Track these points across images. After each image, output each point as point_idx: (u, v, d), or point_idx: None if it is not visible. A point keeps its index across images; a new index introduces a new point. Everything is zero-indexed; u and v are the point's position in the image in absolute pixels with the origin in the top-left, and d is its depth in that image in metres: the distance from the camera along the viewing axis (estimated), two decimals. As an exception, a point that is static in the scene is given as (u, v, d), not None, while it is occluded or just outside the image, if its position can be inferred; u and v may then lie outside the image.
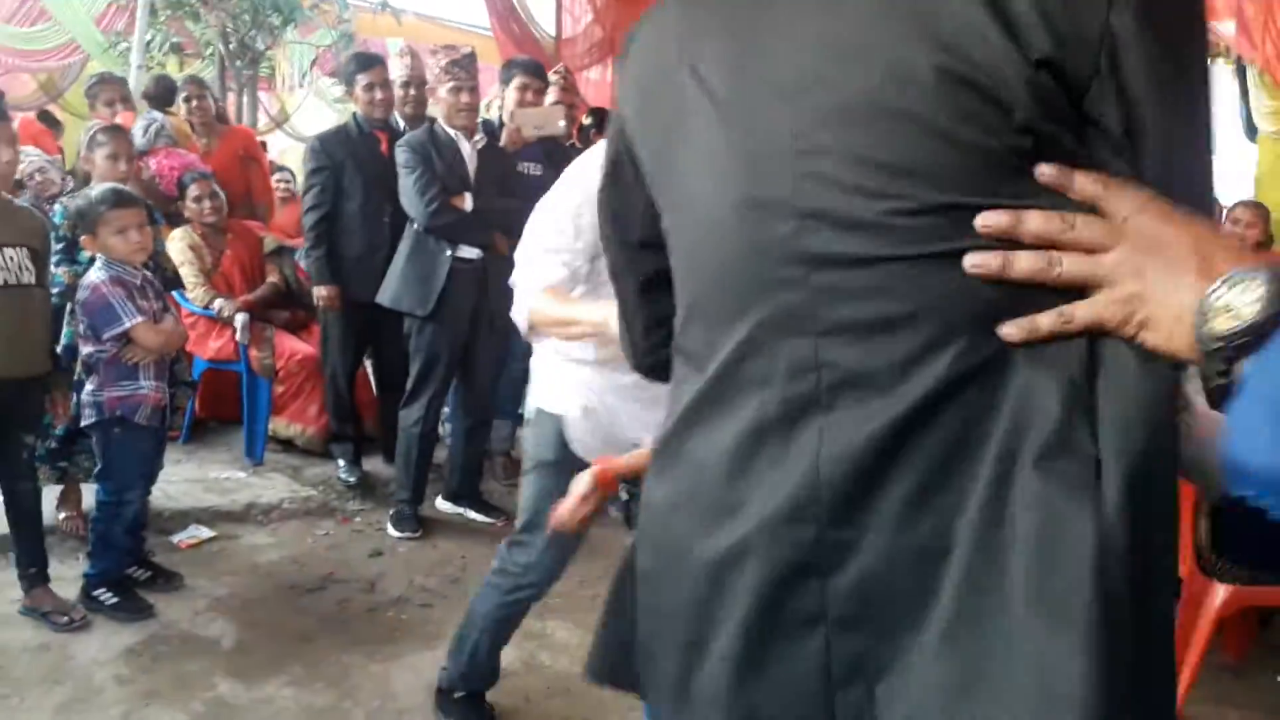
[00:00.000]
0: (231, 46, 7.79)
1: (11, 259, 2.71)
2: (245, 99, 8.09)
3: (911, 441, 0.76)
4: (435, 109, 3.95)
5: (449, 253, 3.74)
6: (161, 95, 5.14)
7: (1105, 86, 0.71)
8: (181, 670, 2.76)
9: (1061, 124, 0.72)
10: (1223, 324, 0.67)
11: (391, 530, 3.86)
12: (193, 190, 4.54)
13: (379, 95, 4.17)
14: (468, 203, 3.75)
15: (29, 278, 2.76)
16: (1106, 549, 0.71)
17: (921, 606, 0.76)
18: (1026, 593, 0.72)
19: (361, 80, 4.17)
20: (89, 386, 3.00)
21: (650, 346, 1.09)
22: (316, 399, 4.58)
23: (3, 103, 3.11)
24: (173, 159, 4.77)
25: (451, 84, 3.75)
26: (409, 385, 3.91)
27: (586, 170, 2.02)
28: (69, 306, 3.28)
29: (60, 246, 3.38)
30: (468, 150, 3.80)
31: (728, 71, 0.85)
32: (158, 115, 4.97)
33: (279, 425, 4.61)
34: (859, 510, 0.77)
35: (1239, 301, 0.67)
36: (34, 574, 2.96)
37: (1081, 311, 0.73)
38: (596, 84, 6.84)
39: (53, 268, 3.38)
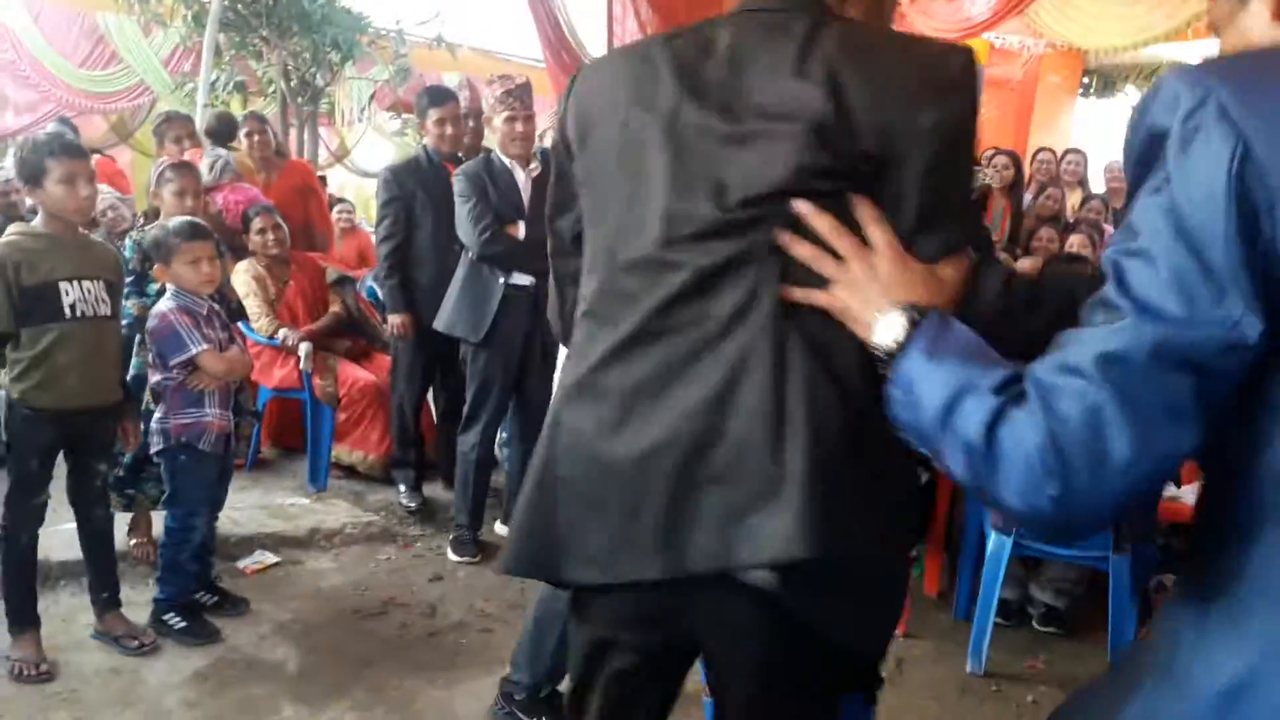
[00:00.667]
0: (293, 84, 7.97)
1: (90, 291, 2.79)
2: (306, 134, 8.27)
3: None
4: (491, 139, 3.99)
5: (502, 280, 3.78)
6: (224, 131, 5.27)
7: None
8: (247, 694, 2.79)
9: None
10: (874, 340, 1.10)
11: (451, 555, 3.89)
12: (257, 223, 4.65)
13: (449, 130, 4.24)
14: (521, 231, 3.78)
15: (105, 309, 2.84)
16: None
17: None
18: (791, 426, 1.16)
19: (433, 115, 4.24)
20: (156, 414, 3.07)
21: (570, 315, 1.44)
22: (378, 426, 4.64)
23: (79, 140, 3.20)
24: (237, 193, 4.88)
25: (506, 114, 3.79)
26: (465, 411, 3.94)
27: None
28: (137, 337, 3.38)
29: (130, 279, 3.47)
30: (522, 179, 3.83)
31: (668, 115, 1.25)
32: (222, 151, 5.09)
33: (341, 452, 4.67)
34: (725, 409, 1.18)
35: (883, 330, 1.09)
36: (106, 599, 3.02)
37: (817, 296, 1.17)
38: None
39: (122, 300, 3.48)
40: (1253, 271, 0.80)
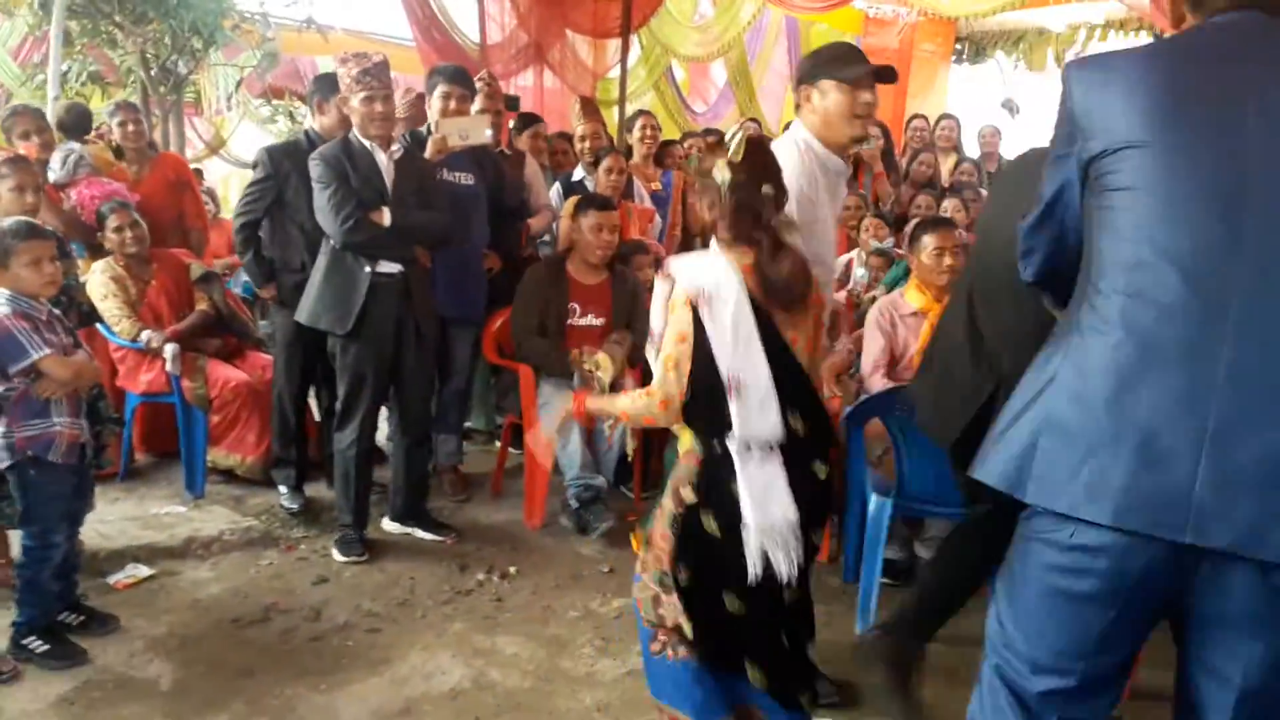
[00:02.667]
0: (153, 73, 7.61)
1: None
2: (172, 125, 7.91)
3: None
4: (352, 118, 3.82)
5: (368, 269, 3.66)
6: (76, 124, 5.00)
7: None
8: (117, 716, 2.66)
9: None
10: None
11: (337, 555, 3.77)
12: (112, 220, 4.43)
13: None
14: (386, 217, 3.65)
15: None
16: None
17: None
18: None
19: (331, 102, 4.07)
20: (0, 428, 2.89)
21: None
22: (254, 426, 4.48)
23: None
24: (94, 188, 4.64)
25: (365, 93, 3.63)
26: (339, 407, 3.83)
27: None
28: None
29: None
30: (384, 161, 3.70)
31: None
32: (75, 145, 4.83)
33: (218, 456, 4.50)
34: None
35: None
36: (-43, 627, 2.85)
37: None
38: (527, 89, 6.79)
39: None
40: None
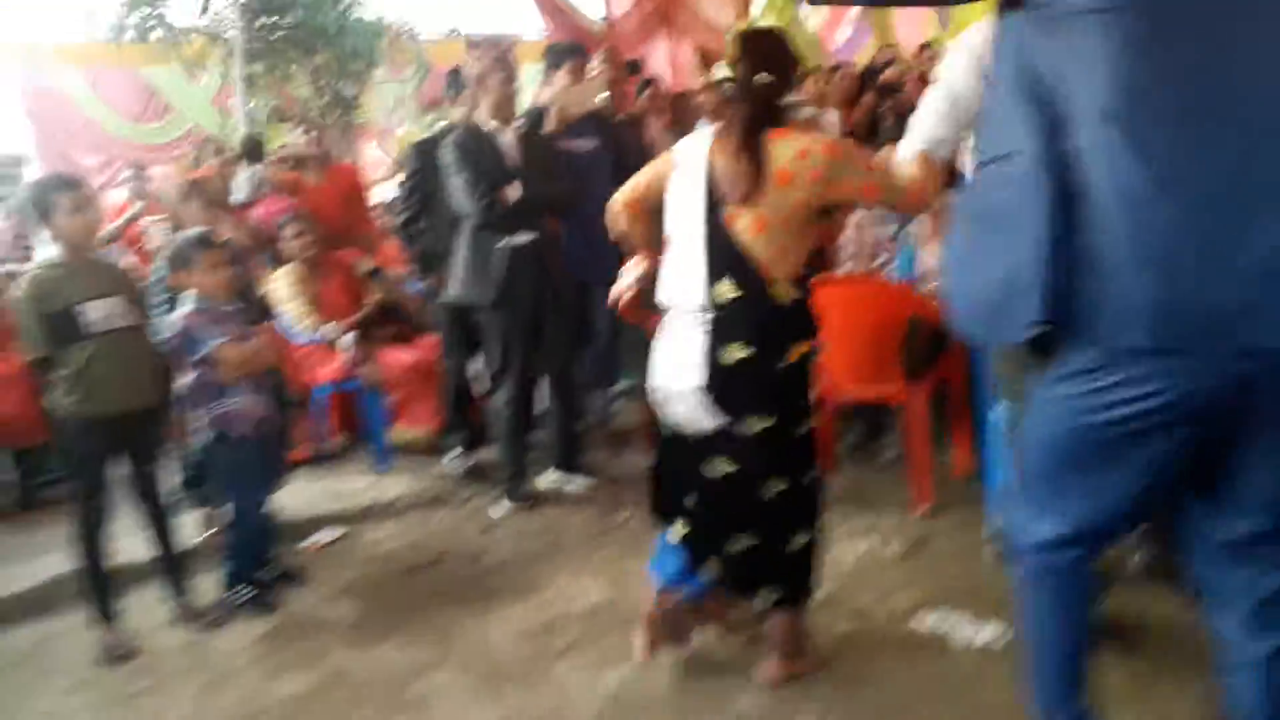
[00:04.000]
0: (325, 100, 8.30)
1: (111, 306, 3.08)
2: (344, 146, 8.60)
3: None
4: (482, 101, 4.06)
5: (504, 242, 3.94)
6: (253, 151, 5.60)
7: None
8: (305, 647, 3.06)
9: None
10: None
11: (499, 506, 4.10)
12: (288, 230, 4.94)
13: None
14: (515, 191, 3.93)
15: (126, 321, 3.12)
16: None
17: None
18: None
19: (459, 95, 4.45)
20: (194, 412, 3.36)
21: None
22: (428, 401, 4.90)
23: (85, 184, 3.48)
24: (272, 205, 5.20)
25: (503, 74, 3.95)
26: (492, 373, 4.14)
27: None
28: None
29: (165, 296, 3.78)
30: (508, 140, 3.98)
31: None
32: (257, 168, 5.41)
33: (399, 431, 4.94)
34: None
35: None
36: (175, 582, 3.33)
37: None
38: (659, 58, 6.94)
39: (159, 316, 3.79)
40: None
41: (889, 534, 3.48)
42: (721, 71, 2.40)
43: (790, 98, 2.43)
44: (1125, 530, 1.77)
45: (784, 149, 2.32)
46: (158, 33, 7.39)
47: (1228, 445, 1.68)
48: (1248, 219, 1.52)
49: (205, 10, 7.78)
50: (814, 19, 8.26)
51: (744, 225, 2.34)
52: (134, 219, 5.13)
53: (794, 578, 2.54)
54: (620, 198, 2.64)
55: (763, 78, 2.33)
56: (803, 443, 2.47)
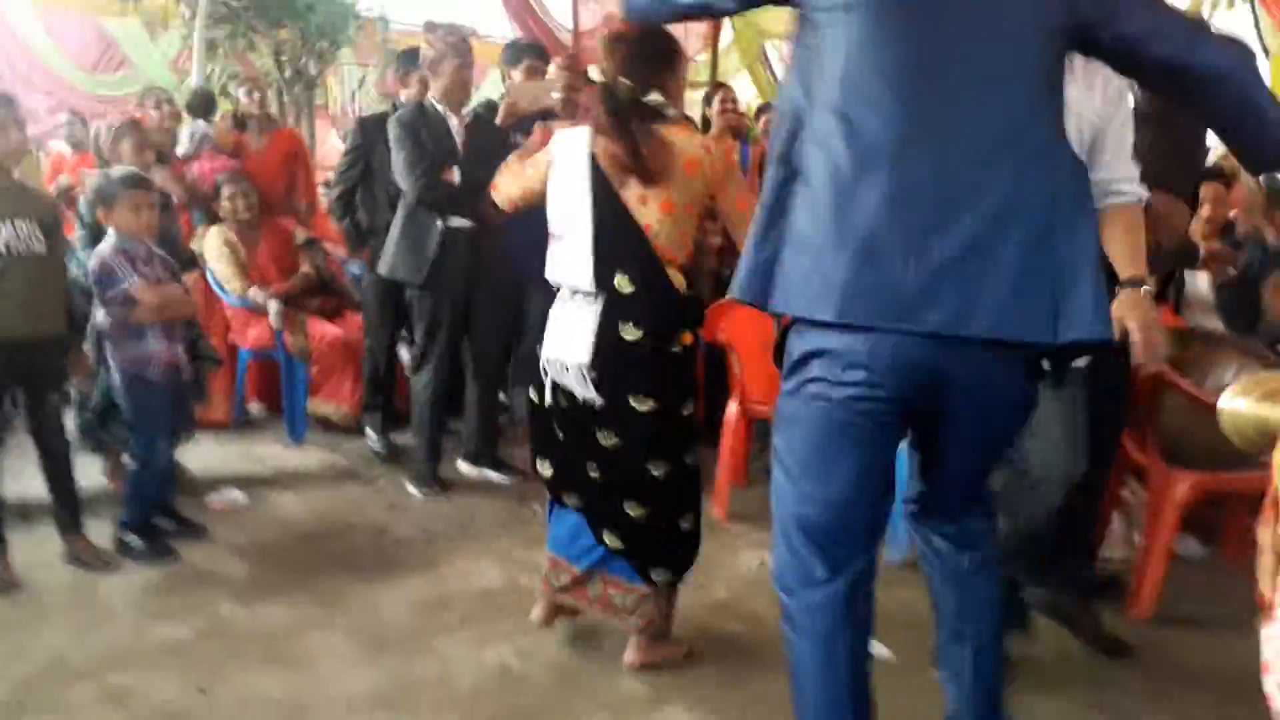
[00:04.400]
0: (286, 75, 8.24)
1: (22, 229, 3.03)
2: (304, 124, 8.53)
3: None
4: (433, 84, 4.10)
5: (440, 224, 3.95)
6: (202, 105, 5.56)
7: None
8: (191, 597, 3.03)
9: None
10: None
11: (410, 488, 4.09)
12: (226, 189, 4.89)
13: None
14: (455, 175, 3.95)
15: (39, 247, 3.07)
16: None
17: None
18: None
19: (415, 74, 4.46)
20: (107, 350, 3.32)
21: None
22: (349, 378, 4.86)
23: (13, 103, 3.41)
24: (213, 162, 5.15)
25: (459, 60, 3.98)
26: (414, 352, 4.14)
27: None
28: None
29: (84, 233, 3.72)
30: (455, 125, 4.01)
31: None
32: (201, 123, 5.36)
33: (316, 405, 4.90)
34: None
35: None
36: (68, 521, 3.26)
37: None
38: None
39: (79, 253, 3.74)
40: None
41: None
42: (595, 74, 2.52)
43: (655, 97, 2.51)
44: (859, 534, 1.82)
45: (688, 142, 2.50)
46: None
47: (932, 420, 1.82)
48: (948, 214, 1.62)
49: (174, -34, 7.69)
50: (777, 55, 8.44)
51: (652, 206, 2.46)
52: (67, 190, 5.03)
53: (682, 560, 2.63)
54: (507, 195, 2.81)
55: (624, 84, 2.47)
56: (686, 425, 2.59)
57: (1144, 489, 3.30)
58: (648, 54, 2.52)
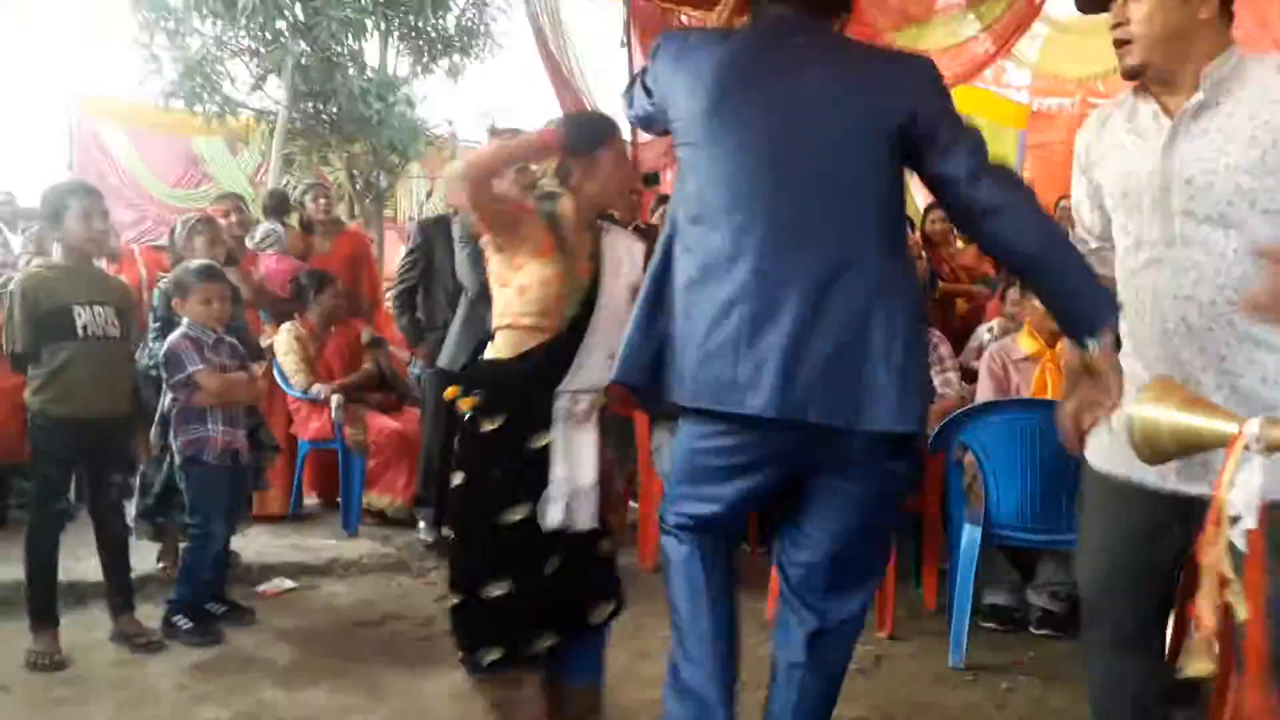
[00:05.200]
0: (358, 187, 8.58)
1: (99, 315, 3.13)
2: (373, 232, 8.83)
3: None
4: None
5: (499, 319, 4.01)
6: (276, 206, 5.77)
7: None
8: (234, 680, 2.99)
9: None
10: None
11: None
12: (329, 290, 5.01)
13: None
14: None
15: (115, 332, 3.18)
16: None
17: None
18: None
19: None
20: (170, 434, 3.38)
21: None
22: (404, 471, 4.88)
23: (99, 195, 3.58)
24: (281, 263, 5.31)
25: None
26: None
27: None
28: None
29: (157, 324, 3.84)
30: (521, 223, 4.10)
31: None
32: (274, 226, 5.56)
33: (372, 498, 4.91)
34: None
35: None
36: (120, 603, 3.28)
37: None
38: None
39: (150, 342, 3.85)
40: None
41: (847, 650, 3.40)
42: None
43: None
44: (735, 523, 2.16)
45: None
46: (207, 104, 7.70)
47: (798, 487, 2.02)
48: (771, 310, 1.83)
49: (256, 88, 8.10)
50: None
51: None
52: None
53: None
54: None
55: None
56: None
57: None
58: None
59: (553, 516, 2.30)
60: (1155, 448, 1.32)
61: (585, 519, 2.35)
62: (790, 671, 2.07)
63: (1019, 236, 1.85)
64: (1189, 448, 1.31)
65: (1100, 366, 1.81)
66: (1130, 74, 1.86)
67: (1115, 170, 1.92)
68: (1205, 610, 1.26)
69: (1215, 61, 1.80)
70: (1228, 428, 1.23)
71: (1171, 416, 1.29)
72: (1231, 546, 1.23)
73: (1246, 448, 1.20)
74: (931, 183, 1.95)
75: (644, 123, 2.20)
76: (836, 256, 1.84)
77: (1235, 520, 1.22)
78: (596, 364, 2.32)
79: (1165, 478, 1.78)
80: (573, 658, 2.48)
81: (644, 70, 2.11)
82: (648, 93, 2.07)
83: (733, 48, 1.97)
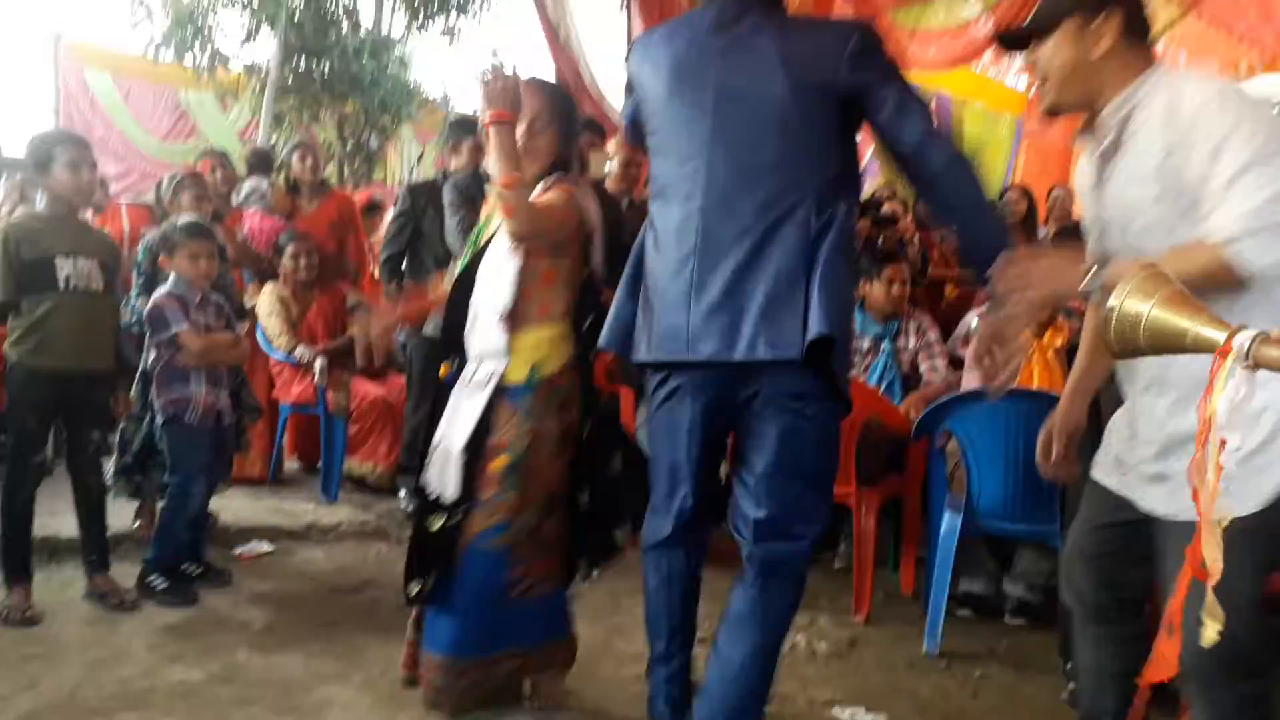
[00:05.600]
0: (348, 147, 8.48)
1: (82, 267, 3.09)
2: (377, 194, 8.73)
3: None
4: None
5: (490, 284, 3.98)
6: (260, 163, 5.70)
7: None
8: (208, 641, 2.98)
9: None
10: None
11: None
12: (291, 248, 4.96)
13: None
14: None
15: (98, 285, 3.13)
16: None
17: None
18: None
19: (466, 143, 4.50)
20: (152, 393, 3.34)
21: None
22: (387, 438, 4.86)
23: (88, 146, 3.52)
24: (264, 222, 5.24)
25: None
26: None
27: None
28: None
29: (141, 280, 3.79)
30: (510, 191, 4.06)
31: None
32: (262, 183, 5.48)
33: (353, 464, 4.89)
34: None
35: None
36: (95, 561, 3.25)
37: None
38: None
39: (133, 298, 3.80)
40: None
41: (823, 632, 3.41)
42: None
43: None
44: (701, 507, 2.30)
45: None
46: (198, 56, 7.57)
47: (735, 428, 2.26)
48: (708, 270, 2.11)
49: (248, 40, 7.97)
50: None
51: None
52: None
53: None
54: None
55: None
56: None
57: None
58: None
59: (426, 481, 2.46)
60: (1126, 342, 1.22)
61: (450, 489, 2.39)
62: (734, 620, 2.23)
63: (955, 195, 2.12)
64: (1164, 347, 1.20)
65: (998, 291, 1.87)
66: (1049, 114, 1.91)
67: (1084, 208, 2.01)
68: (1210, 555, 1.21)
69: (1114, 102, 1.79)
70: (1216, 335, 1.13)
71: (1154, 312, 1.20)
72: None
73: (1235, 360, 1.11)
74: (882, 140, 2.17)
75: (631, 124, 2.39)
76: (770, 214, 2.08)
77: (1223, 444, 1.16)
78: (486, 324, 2.41)
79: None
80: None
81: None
82: (629, 91, 2.34)
83: (687, 37, 2.22)
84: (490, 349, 2.41)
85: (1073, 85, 1.81)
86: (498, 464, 2.39)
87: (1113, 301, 1.21)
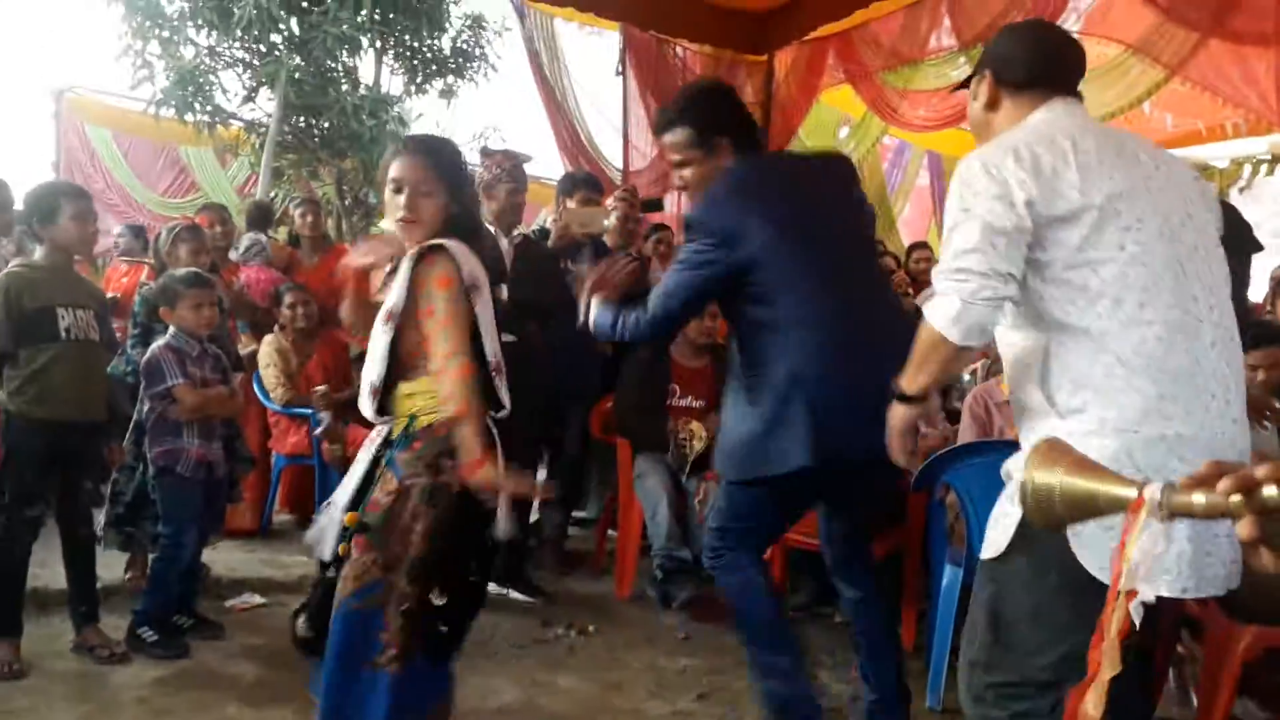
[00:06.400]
0: (347, 202, 8.53)
1: (81, 318, 3.09)
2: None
3: None
4: (487, 206, 4.22)
5: (483, 337, 3.99)
6: (259, 218, 5.74)
7: None
8: (198, 696, 2.93)
9: None
10: None
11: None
12: (288, 298, 4.99)
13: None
14: (503, 293, 4.01)
15: (94, 335, 3.14)
16: None
17: None
18: None
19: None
20: (145, 444, 3.33)
21: None
22: (381, 491, 4.82)
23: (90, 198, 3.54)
24: (262, 274, 5.27)
25: (511, 185, 4.10)
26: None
27: None
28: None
29: (136, 331, 3.80)
30: (506, 245, 4.10)
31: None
32: (261, 236, 5.52)
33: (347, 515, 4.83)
34: None
35: None
36: (84, 613, 3.21)
37: None
38: (668, 216, 7.21)
39: (129, 350, 3.80)
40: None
41: (824, 688, 3.37)
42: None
43: None
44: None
45: None
46: (198, 113, 7.64)
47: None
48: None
49: (248, 100, 8.05)
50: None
51: None
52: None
53: None
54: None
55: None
56: None
57: (1200, 644, 3.12)
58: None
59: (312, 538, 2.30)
60: (1047, 514, 1.22)
61: (325, 549, 2.27)
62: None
63: None
64: (1083, 513, 1.20)
65: None
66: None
67: None
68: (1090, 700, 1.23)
69: None
70: (1126, 493, 1.14)
71: (1064, 481, 1.19)
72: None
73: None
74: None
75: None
76: (889, 332, 2.36)
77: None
78: (364, 390, 2.28)
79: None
80: None
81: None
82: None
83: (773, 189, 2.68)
84: (371, 417, 2.36)
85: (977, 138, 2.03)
86: (350, 519, 2.25)
87: (1024, 477, 1.22)
